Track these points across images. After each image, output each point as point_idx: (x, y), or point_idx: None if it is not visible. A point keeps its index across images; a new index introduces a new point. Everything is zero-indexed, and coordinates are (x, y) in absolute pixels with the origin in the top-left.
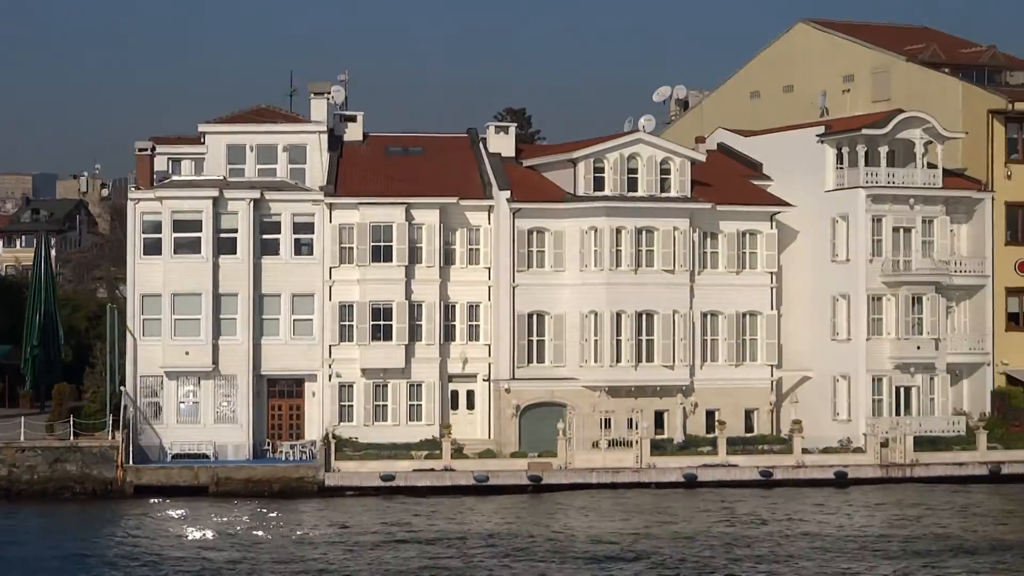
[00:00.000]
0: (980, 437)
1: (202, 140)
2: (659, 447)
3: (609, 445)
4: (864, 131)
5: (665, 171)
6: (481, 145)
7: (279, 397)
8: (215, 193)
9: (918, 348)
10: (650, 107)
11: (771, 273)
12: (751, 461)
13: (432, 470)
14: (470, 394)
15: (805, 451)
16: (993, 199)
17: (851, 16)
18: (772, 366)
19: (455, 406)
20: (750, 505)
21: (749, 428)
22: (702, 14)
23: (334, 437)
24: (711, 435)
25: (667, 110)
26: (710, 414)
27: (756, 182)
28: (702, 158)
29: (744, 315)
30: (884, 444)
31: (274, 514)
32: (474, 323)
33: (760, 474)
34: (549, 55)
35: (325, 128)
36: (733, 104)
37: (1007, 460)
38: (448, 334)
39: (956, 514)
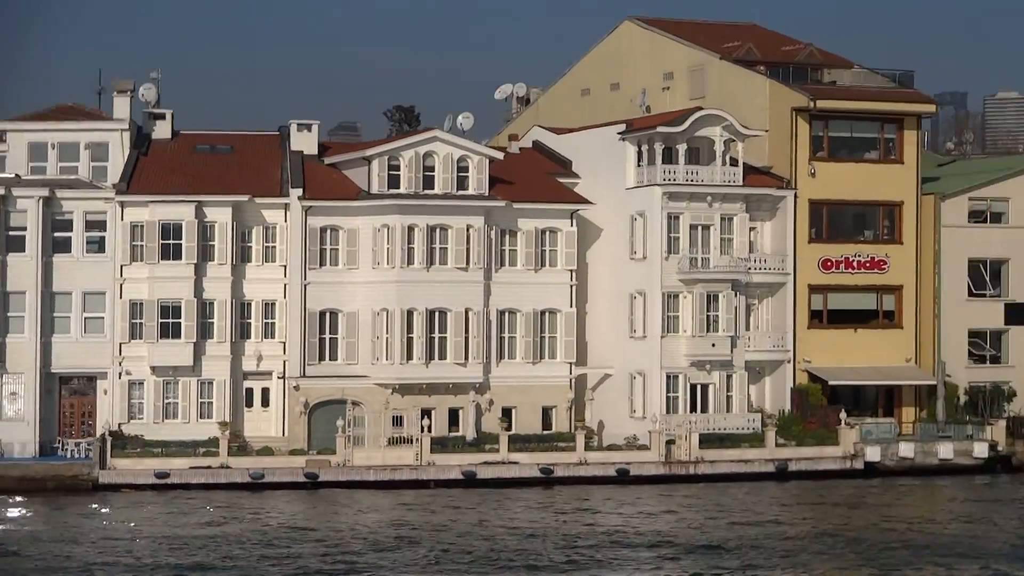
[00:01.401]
0: (768, 434)
1: (3, 138)
2: (443, 444)
3: (389, 443)
4: (660, 129)
5: (463, 169)
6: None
7: (72, 395)
8: (1, 191)
9: (713, 345)
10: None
11: (570, 271)
12: (533, 459)
13: (208, 467)
14: (265, 391)
15: (589, 448)
16: (796, 196)
17: (689, 13)
18: (571, 364)
19: (250, 403)
20: (492, 504)
21: (547, 426)
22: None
23: (111, 434)
24: (508, 432)
25: (509, 107)
26: (506, 411)
27: (564, 180)
28: (499, 156)
29: (543, 313)
30: (673, 441)
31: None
32: (270, 321)
33: (541, 471)
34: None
35: (127, 126)
36: (566, 101)
37: (794, 457)
38: (244, 332)
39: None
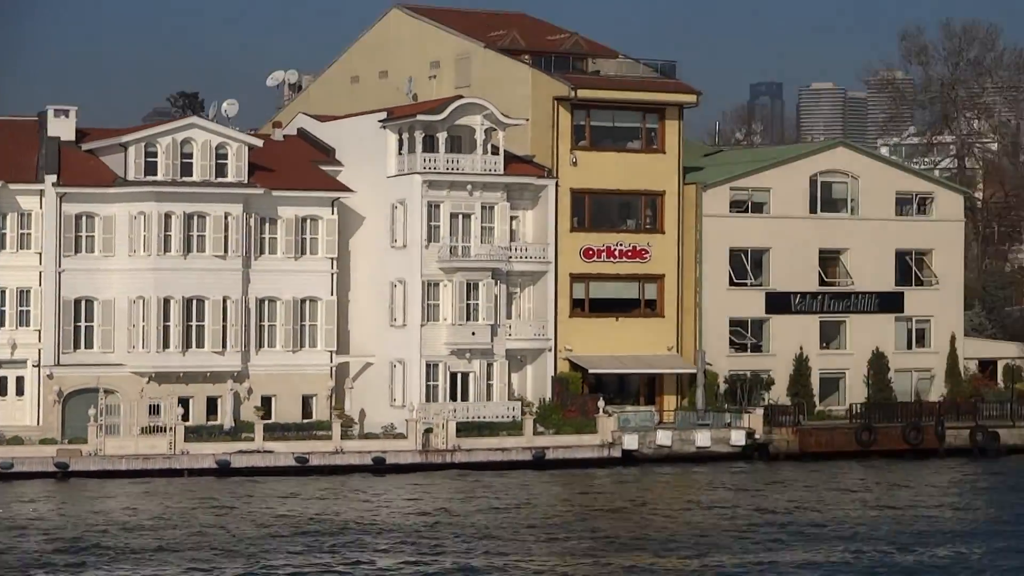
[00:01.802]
0: (526, 423)
1: None
2: (198, 433)
3: (143, 432)
4: (420, 117)
5: (222, 156)
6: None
7: None
8: None
9: (473, 334)
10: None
11: (331, 259)
12: (288, 447)
13: None
14: (19, 380)
15: (346, 437)
16: (557, 186)
17: (458, 2)
18: (331, 352)
19: (3, 392)
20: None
21: (308, 414)
22: None
23: None
24: (267, 421)
25: (282, 94)
26: (266, 400)
27: (327, 168)
28: (259, 143)
29: (303, 301)
30: (431, 430)
31: None
32: (24, 308)
33: (296, 460)
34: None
35: None
36: (335, 89)
37: (552, 445)
38: None
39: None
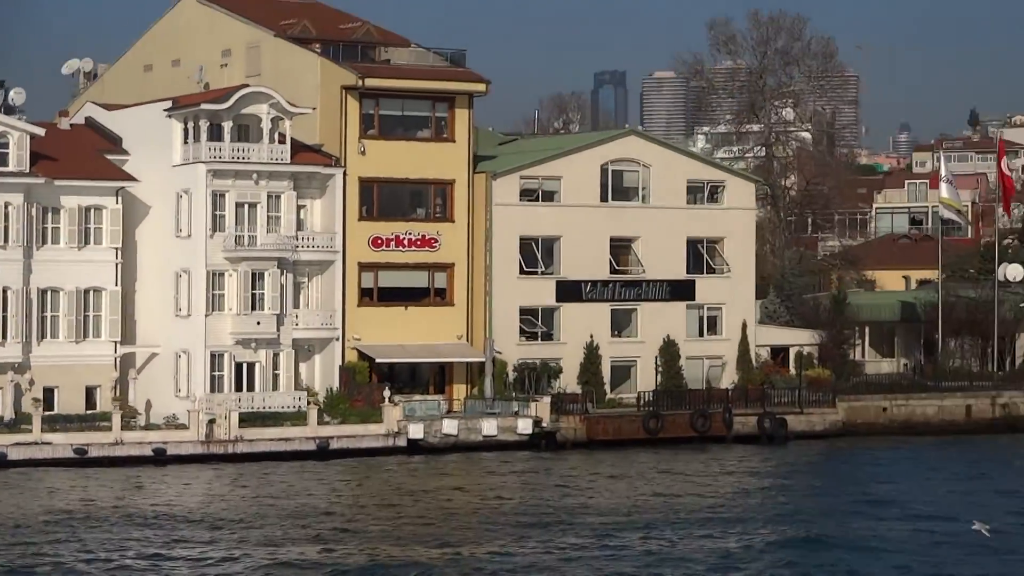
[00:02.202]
0: (311, 413)
1: None
2: None
3: None
4: (205, 106)
5: (2, 145)
6: None
7: None
8: None
9: (258, 324)
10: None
11: (115, 248)
12: (67, 439)
13: None
14: None
15: (127, 428)
16: (345, 175)
17: None
18: (116, 342)
19: None
20: None
21: (91, 406)
22: None
23: None
24: (49, 412)
25: (77, 82)
26: (48, 391)
27: (114, 157)
28: (41, 132)
29: (87, 291)
30: (214, 421)
31: None
32: None
33: (75, 452)
34: None
35: None
36: (129, 77)
37: (336, 435)
38: None
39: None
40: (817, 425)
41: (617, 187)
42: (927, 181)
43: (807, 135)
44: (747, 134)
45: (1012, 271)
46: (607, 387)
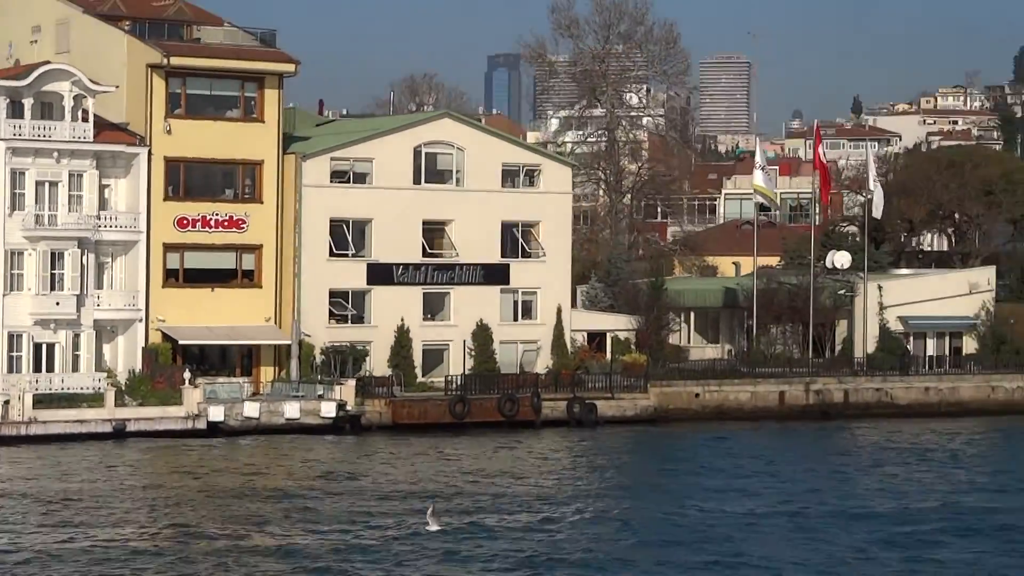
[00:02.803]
0: (108, 395)
1: None
2: None
3: None
4: (3, 83)
5: None
6: None
7: None
8: None
9: (58, 304)
10: None
11: None
12: None
13: None
14: None
15: None
16: (150, 154)
17: None
18: None
19: None
20: None
21: None
22: None
23: None
24: None
25: None
26: None
27: None
28: None
29: None
30: (7, 402)
31: None
32: None
33: None
34: None
35: None
36: None
37: (134, 417)
38: None
39: None
40: (628, 410)
41: (431, 170)
42: (777, 168)
43: (662, 120)
44: (589, 119)
45: (840, 258)
46: (418, 371)
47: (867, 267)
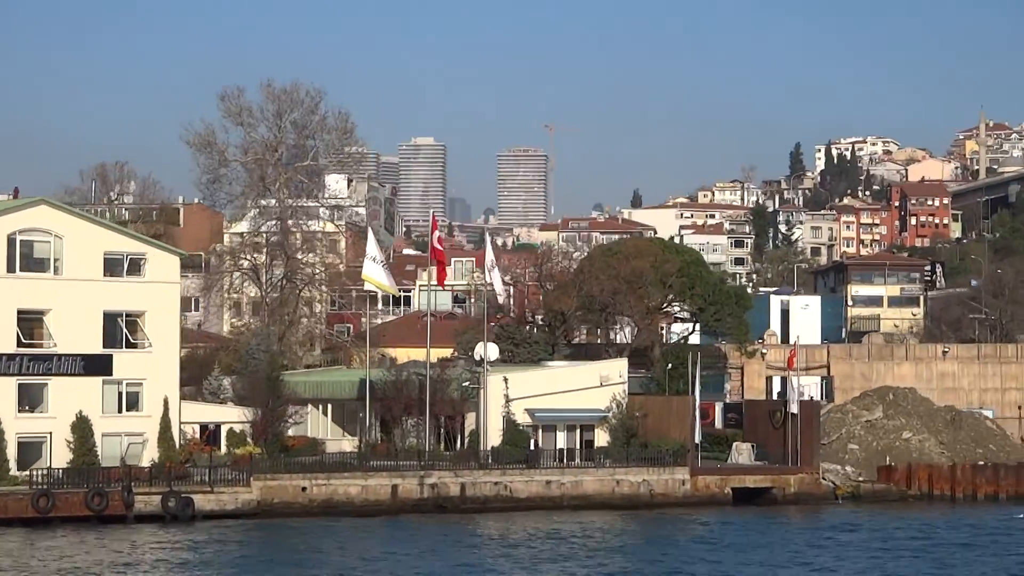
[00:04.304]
0: None
1: None
2: None
3: None
4: None
5: None
6: None
7: None
8: None
9: None
10: None
11: None
12: None
13: None
14: None
15: None
16: None
17: None
18: None
19: None
20: None
21: None
22: None
23: None
24: None
25: None
26: None
27: None
28: None
29: None
30: None
31: None
32: None
33: None
34: None
35: None
36: None
37: None
38: None
39: None
40: (228, 504)
41: (27, 257)
42: (473, 259)
43: (321, 210)
44: (263, 209)
45: (490, 350)
46: (13, 464)
47: (503, 360)
